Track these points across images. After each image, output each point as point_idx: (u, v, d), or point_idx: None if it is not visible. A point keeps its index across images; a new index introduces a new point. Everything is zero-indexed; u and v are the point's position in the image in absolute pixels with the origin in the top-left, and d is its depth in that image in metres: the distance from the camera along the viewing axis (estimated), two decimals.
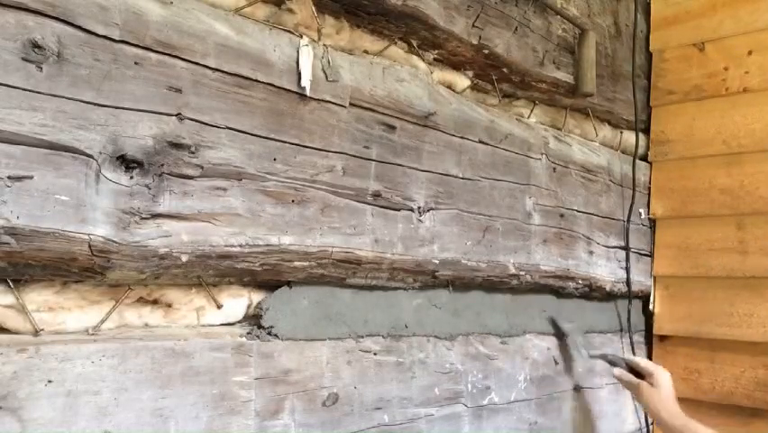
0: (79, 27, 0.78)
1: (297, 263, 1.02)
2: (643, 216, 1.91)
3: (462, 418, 1.33)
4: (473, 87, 1.45)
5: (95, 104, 0.79)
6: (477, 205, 1.35)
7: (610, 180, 1.78)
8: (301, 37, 1.04)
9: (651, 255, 1.93)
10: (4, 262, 0.74)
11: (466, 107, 1.35)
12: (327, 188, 1.06)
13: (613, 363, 1.59)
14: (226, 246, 0.92)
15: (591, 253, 1.68)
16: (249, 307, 1.03)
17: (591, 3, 1.71)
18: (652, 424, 1.89)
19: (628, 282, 1.80)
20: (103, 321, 0.87)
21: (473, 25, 1.31)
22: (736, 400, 1.75)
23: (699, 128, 1.86)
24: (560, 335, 1.59)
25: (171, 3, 0.87)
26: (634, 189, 1.84)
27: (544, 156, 1.54)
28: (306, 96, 1.03)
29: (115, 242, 0.80)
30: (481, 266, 1.35)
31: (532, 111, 1.60)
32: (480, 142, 1.37)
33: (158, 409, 0.86)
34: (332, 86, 1.07)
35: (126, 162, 0.82)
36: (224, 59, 0.93)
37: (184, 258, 0.87)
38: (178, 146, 0.87)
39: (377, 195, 1.14)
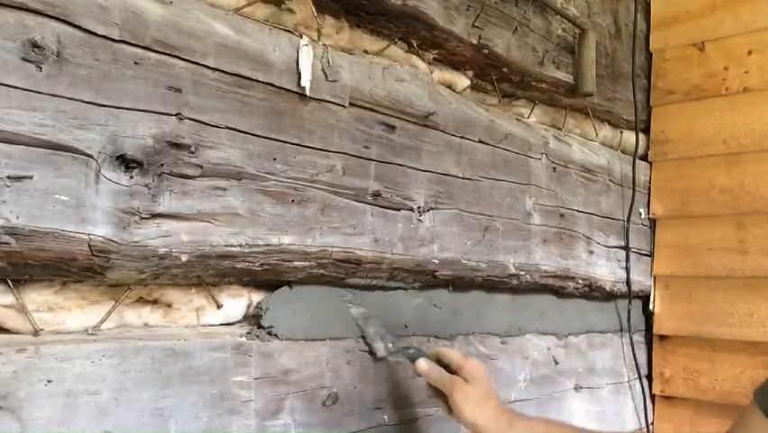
0: (79, 27, 0.78)
1: (296, 263, 1.02)
2: (643, 216, 1.91)
3: None
4: (473, 87, 1.45)
5: (94, 104, 0.79)
6: (477, 205, 1.35)
7: (610, 180, 1.78)
8: (301, 37, 1.04)
9: (651, 255, 1.93)
10: (3, 262, 0.74)
11: (466, 107, 1.35)
12: (327, 188, 1.06)
13: (415, 359, 1.13)
14: (226, 246, 0.92)
15: (591, 252, 1.68)
16: (249, 307, 1.03)
17: (591, 3, 1.71)
18: (652, 424, 1.89)
19: (628, 282, 1.80)
20: (103, 321, 0.87)
21: (473, 25, 1.31)
22: (735, 400, 1.75)
23: (698, 128, 1.86)
24: (360, 328, 1.18)
25: (171, 2, 0.87)
26: (634, 189, 1.84)
27: (543, 156, 1.54)
28: (305, 95, 1.03)
29: (115, 242, 0.80)
30: (481, 266, 1.35)
31: (532, 111, 1.60)
32: (480, 141, 1.37)
33: (158, 409, 0.86)
34: (332, 86, 1.07)
35: (126, 162, 0.82)
36: (224, 58, 0.93)
37: (184, 258, 0.87)
38: (177, 146, 0.87)
39: (377, 195, 1.14)
